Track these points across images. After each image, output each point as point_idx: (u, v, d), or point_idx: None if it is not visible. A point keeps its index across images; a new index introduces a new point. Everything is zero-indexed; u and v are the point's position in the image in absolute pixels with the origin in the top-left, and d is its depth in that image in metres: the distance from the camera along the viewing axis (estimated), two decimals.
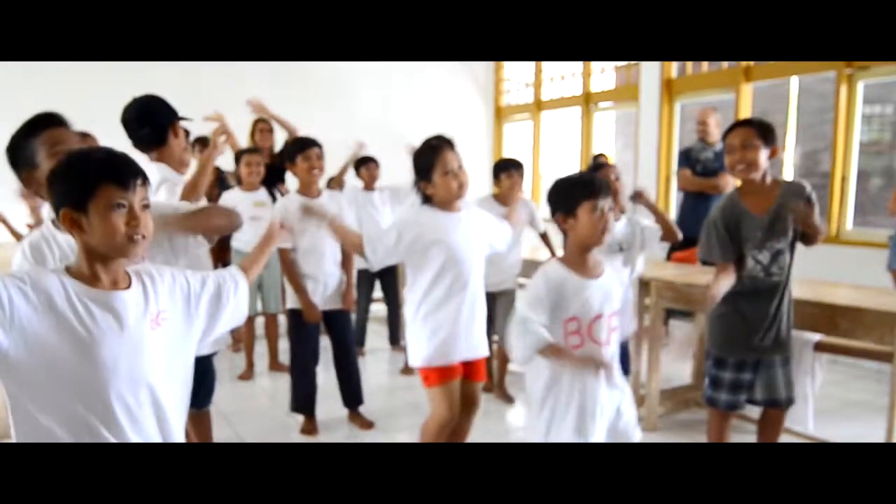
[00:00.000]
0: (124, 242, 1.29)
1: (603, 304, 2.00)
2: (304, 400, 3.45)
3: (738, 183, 2.55)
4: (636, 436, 2.12)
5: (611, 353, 2.04)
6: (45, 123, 1.77)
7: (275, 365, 4.52)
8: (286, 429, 3.50)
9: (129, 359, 1.31)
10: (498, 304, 3.79)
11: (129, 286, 1.36)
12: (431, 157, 2.40)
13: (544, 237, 3.89)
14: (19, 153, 1.76)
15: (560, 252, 3.71)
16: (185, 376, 1.46)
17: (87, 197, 1.27)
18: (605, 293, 2.02)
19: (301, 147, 3.29)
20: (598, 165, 3.59)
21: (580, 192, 1.98)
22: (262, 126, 4.91)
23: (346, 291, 3.45)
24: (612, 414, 2.05)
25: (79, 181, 1.28)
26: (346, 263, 3.47)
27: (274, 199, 4.50)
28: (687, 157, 4.91)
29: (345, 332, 3.53)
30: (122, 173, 1.30)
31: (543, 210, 4.01)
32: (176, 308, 1.44)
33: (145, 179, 1.34)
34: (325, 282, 3.37)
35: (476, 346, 2.53)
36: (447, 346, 2.45)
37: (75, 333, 1.25)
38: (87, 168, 1.29)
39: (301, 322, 3.38)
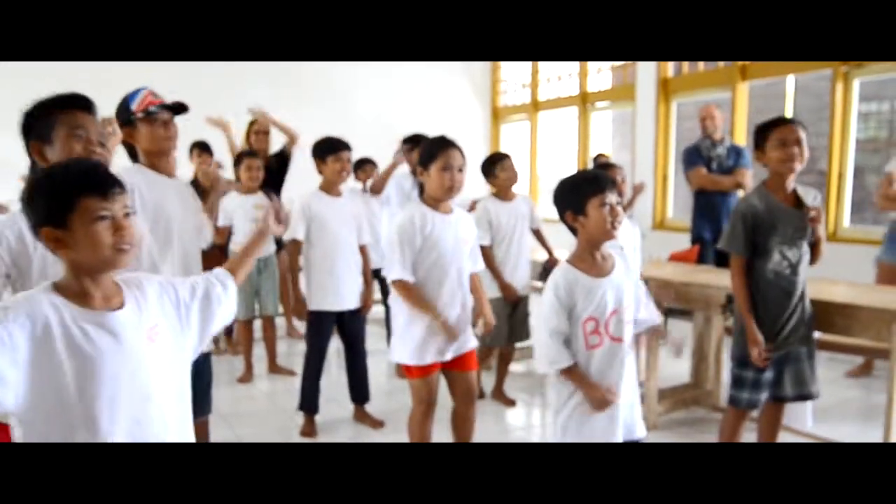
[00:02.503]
0: (112, 254, 1.25)
1: (618, 299, 2.02)
2: (310, 400, 3.47)
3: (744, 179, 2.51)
4: (641, 432, 2.14)
5: (626, 347, 2.06)
6: (72, 104, 1.75)
7: (273, 367, 4.52)
8: (286, 431, 3.51)
9: (131, 375, 1.29)
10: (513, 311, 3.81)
11: (122, 302, 1.32)
12: (437, 149, 2.47)
13: (538, 234, 3.90)
14: (36, 122, 1.73)
15: (556, 250, 3.78)
16: (185, 386, 1.44)
17: (67, 212, 1.23)
18: (618, 288, 2.03)
19: (333, 148, 3.34)
20: (604, 166, 3.58)
21: (587, 189, 1.99)
22: (257, 128, 4.92)
23: (365, 292, 3.46)
24: (627, 407, 2.08)
25: (57, 196, 1.23)
26: (363, 264, 3.49)
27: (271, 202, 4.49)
28: (698, 155, 4.69)
29: (359, 333, 3.56)
30: (101, 183, 1.26)
31: (542, 211, 4.04)
32: (168, 319, 1.41)
33: (123, 187, 1.30)
34: (340, 282, 3.37)
35: (461, 344, 2.58)
36: (430, 346, 2.52)
37: (75, 357, 1.22)
38: (63, 182, 1.25)
39: (316, 322, 3.40)
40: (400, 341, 2.59)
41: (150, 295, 1.39)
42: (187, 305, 1.46)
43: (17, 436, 1.29)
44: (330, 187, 3.40)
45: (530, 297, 3.91)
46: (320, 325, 3.41)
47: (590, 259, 2.03)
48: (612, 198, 1.98)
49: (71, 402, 1.23)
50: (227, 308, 1.56)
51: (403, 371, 2.63)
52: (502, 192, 3.73)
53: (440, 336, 2.52)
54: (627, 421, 2.08)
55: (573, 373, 1.98)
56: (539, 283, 3.96)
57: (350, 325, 3.49)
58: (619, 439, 2.06)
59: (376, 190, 4.50)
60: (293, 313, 3.45)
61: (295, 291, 3.40)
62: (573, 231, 2.06)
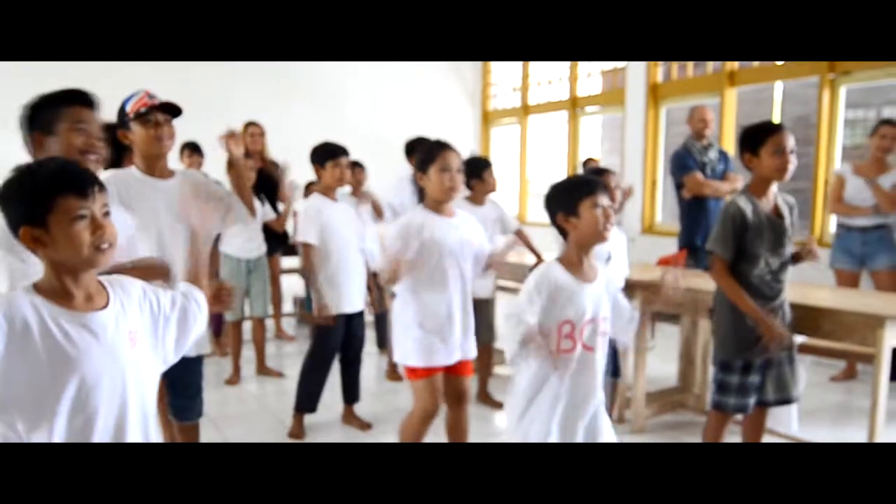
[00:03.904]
0: (91, 253, 1.25)
1: (595, 309, 2.03)
2: (311, 400, 3.47)
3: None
4: (609, 436, 2.13)
5: (600, 357, 2.06)
6: (77, 99, 1.80)
7: (262, 369, 4.51)
8: (274, 433, 3.50)
9: (112, 377, 1.29)
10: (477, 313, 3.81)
11: (105, 302, 1.32)
12: (434, 152, 2.49)
13: (521, 235, 3.90)
14: (39, 114, 1.78)
15: (544, 251, 3.79)
16: (153, 396, 1.43)
17: (45, 211, 1.22)
18: (598, 298, 2.05)
19: (332, 154, 3.35)
20: (597, 171, 3.56)
21: (580, 191, 2.01)
22: (252, 130, 4.91)
23: (374, 295, 3.55)
24: (590, 414, 2.07)
25: (35, 196, 1.23)
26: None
27: (263, 204, 4.49)
28: (692, 159, 4.50)
29: (362, 334, 3.60)
30: (79, 182, 1.26)
31: (530, 215, 4.04)
32: (144, 327, 1.40)
33: (102, 186, 1.30)
34: (350, 284, 3.38)
35: (462, 349, 2.59)
36: (433, 350, 2.52)
37: (55, 358, 1.22)
38: (41, 181, 1.24)
39: (324, 324, 3.39)
40: (404, 342, 2.57)
41: (133, 299, 1.39)
42: (167, 317, 1.46)
43: None
44: (328, 192, 3.42)
45: (495, 300, 3.94)
46: (333, 328, 3.40)
47: (577, 262, 2.04)
48: (604, 200, 2.00)
49: (49, 403, 1.23)
50: (200, 325, 1.56)
51: (406, 373, 2.61)
52: (477, 197, 3.69)
53: (447, 340, 2.52)
54: (589, 429, 2.07)
55: (533, 333, 1.89)
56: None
57: (355, 327, 3.52)
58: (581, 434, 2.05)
59: (378, 214, 4.44)
60: (318, 313, 3.36)
61: (317, 297, 3.34)
62: (563, 234, 2.06)
